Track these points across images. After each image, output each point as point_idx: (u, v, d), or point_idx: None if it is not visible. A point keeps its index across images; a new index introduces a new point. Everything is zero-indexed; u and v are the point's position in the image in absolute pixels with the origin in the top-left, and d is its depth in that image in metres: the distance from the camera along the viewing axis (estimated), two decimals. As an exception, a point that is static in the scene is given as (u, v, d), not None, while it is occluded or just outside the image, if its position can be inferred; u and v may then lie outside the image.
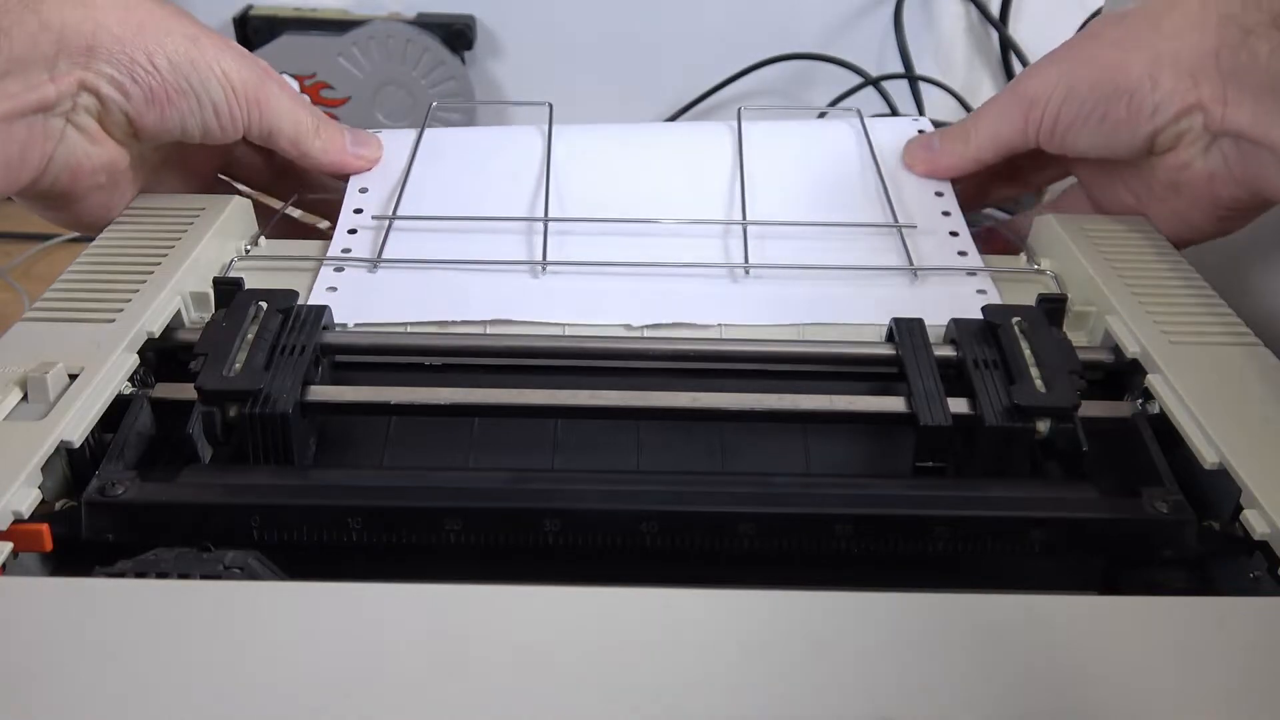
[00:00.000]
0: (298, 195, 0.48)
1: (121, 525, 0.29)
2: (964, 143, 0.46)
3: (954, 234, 0.44)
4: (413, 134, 0.48)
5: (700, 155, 0.47)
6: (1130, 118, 0.41)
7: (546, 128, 0.48)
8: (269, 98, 0.42)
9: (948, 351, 0.36)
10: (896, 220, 0.44)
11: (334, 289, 0.40)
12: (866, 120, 0.49)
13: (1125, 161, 0.43)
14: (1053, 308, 0.38)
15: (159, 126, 0.40)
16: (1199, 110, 0.39)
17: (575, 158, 0.47)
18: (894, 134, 0.49)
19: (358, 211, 0.44)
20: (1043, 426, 0.32)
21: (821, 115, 0.81)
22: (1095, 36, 0.43)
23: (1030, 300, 0.38)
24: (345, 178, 0.46)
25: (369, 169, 0.46)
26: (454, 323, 0.38)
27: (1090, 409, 0.33)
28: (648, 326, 0.38)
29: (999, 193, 0.51)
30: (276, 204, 0.48)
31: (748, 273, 0.41)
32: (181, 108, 0.40)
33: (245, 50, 0.43)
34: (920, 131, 0.49)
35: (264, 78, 0.42)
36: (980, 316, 0.37)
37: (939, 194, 0.46)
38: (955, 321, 0.37)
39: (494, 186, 0.45)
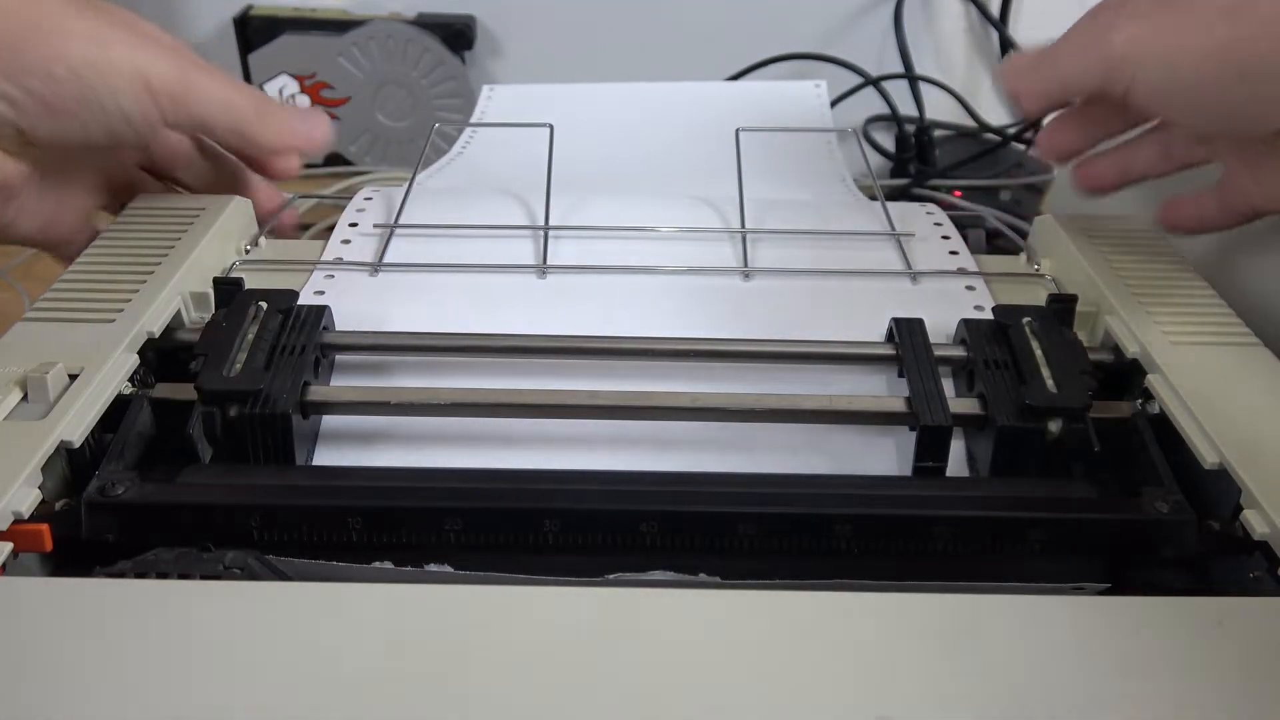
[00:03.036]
0: (297, 196, 0.48)
1: (121, 525, 0.29)
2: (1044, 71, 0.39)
3: (949, 244, 0.44)
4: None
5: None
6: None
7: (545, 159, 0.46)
8: (193, 88, 0.38)
9: (957, 351, 0.36)
10: (894, 229, 0.44)
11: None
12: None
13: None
14: (1062, 308, 0.38)
15: (55, 135, 0.37)
16: None
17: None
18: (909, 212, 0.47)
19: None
20: (1054, 427, 0.32)
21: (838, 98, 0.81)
22: None
23: (1030, 301, 0.38)
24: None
25: (321, 146, 0.43)
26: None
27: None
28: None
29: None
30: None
31: (747, 277, 0.41)
32: (83, 116, 0.36)
33: (163, 35, 0.40)
34: (929, 216, 0.46)
35: (186, 67, 0.38)
36: (976, 317, 0.37)
37: (953, 253, 0.44)
38: (965, 322, 0.37)
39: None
